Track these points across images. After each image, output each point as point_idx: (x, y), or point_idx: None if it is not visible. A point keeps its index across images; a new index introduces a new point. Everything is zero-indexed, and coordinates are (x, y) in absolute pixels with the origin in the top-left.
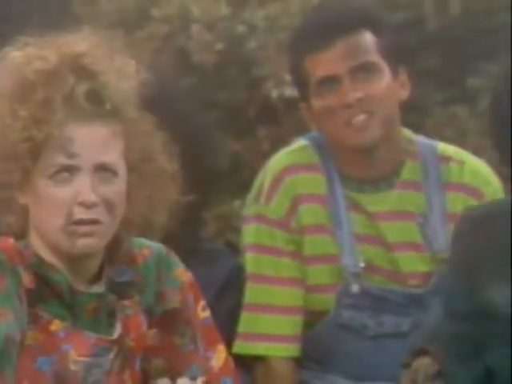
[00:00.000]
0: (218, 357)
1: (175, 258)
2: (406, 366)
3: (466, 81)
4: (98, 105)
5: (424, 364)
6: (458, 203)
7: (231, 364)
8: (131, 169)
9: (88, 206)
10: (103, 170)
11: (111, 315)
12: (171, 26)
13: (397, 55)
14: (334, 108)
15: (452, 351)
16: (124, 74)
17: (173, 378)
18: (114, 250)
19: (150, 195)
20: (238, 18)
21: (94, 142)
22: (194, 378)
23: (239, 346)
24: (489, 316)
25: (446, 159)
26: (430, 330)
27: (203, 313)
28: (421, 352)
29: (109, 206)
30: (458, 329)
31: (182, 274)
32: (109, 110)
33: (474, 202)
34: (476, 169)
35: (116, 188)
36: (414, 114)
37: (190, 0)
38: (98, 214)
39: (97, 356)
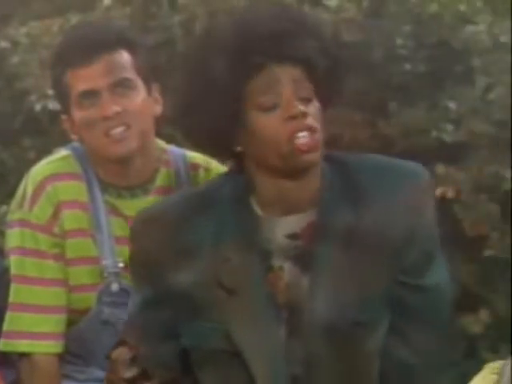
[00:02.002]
0: None
1: None
2: (108, 356)
3: None
4: None
5: (120, 352)
6: None
7: None
8: None
9: None
10: None
11: None
12: None
13: (150, 74)
14: (93, 120)
15: (147, 336)
16: None
17: None
18: None
19: None
20: (1, 34)
21: None
22: None
23: (4, 344)
24: (175, 299)
25: (195, 166)
26: (127, 321)
27: None
28: (121, 342)
29: None
30: (150, 315)
31: None
32: None
33: None
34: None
35: None
36: (166, 126)
37: None
38: None
39: None
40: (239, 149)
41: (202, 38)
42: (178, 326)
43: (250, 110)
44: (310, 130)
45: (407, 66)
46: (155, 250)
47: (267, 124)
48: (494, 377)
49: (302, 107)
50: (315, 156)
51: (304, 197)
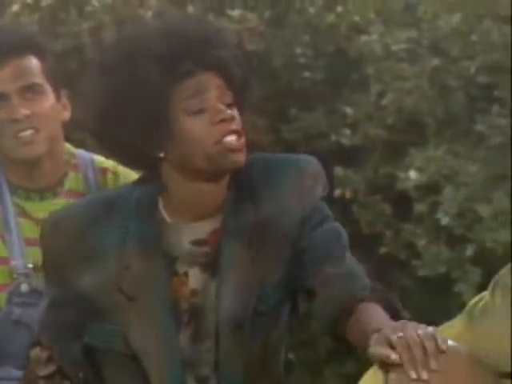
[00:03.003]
0: None
1: None
2: (27, 358)
3: None
4: None
5: (36, 351)
6: None
7: None
8: None
9: None
10: None
11: None
12: None
13: (59, 79)
14: (2, 122)
15: (57, 336)
16: None
17: None
18: None
19: None
20: None
21: None
22: None
23: None
24: (79, 301)
25: (103, 170)
26: (39, 321)
27: None
28: (38, 341)
29: None
30: (58, 316)
31: None
32: None
33: None
34: (129, 177)
35: None
36: (77, 131)
37: None
38: None
39: None
40: (162, 155)
41: (123, 44)
42: (83, 326)
43: (176, 114)
44: (237, 133)
45: (307, 74)
46: (61, 251)
47: (195, 127)
48: None
49: (229, 111)
50: (242, 157)
51: (215, 203)
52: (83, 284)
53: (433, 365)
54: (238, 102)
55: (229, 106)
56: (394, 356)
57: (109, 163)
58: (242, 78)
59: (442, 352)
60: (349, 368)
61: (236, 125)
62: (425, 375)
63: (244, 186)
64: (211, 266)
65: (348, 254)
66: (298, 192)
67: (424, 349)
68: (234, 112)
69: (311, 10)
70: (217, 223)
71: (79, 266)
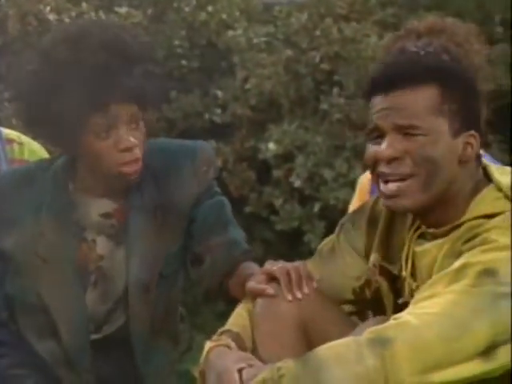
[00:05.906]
0: None
1: None
2: None
3: None
4: None
5: None
6: None
7: None
8: None
9: None
10: None
11: None
12: None
13: None
14: None
15: None
16: None
17: None
18: None
19: None
20: None
21: None
22: None
23: None
24: (2, 258)
25: (10, 141)
26: None
27: None
28: None
29: None
30: None
31: None
32: None
33: None
34: (32, 148)
35: None
36: None
37: None
38: None
39: None
40: (78, 151)
41: (64, 52)
42: (4, 279)
43: (87, 133)
44: (137, 160)
45: (184, 62)
46: None
47: (101, 149)
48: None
49: (132, 139)
50: (136, 177)
51: (119, 185)
52: (4, 245)
53: (306, 288)
54: (144, 114)
55: (136, 127)
56: (269, 289)
57: (14, 135)
58: (152, 97)
59: (311, 280)
60: (221, 307)
61: (138, 152)
62: (299, 294)
63: (145, 168)
64: (116, 236)
65: (231, 223)
66: (194, 176)
67: (299, 274)
68: (138, 132)
69: (187, 9)
70: (121, 200)
71: (1, 229)
